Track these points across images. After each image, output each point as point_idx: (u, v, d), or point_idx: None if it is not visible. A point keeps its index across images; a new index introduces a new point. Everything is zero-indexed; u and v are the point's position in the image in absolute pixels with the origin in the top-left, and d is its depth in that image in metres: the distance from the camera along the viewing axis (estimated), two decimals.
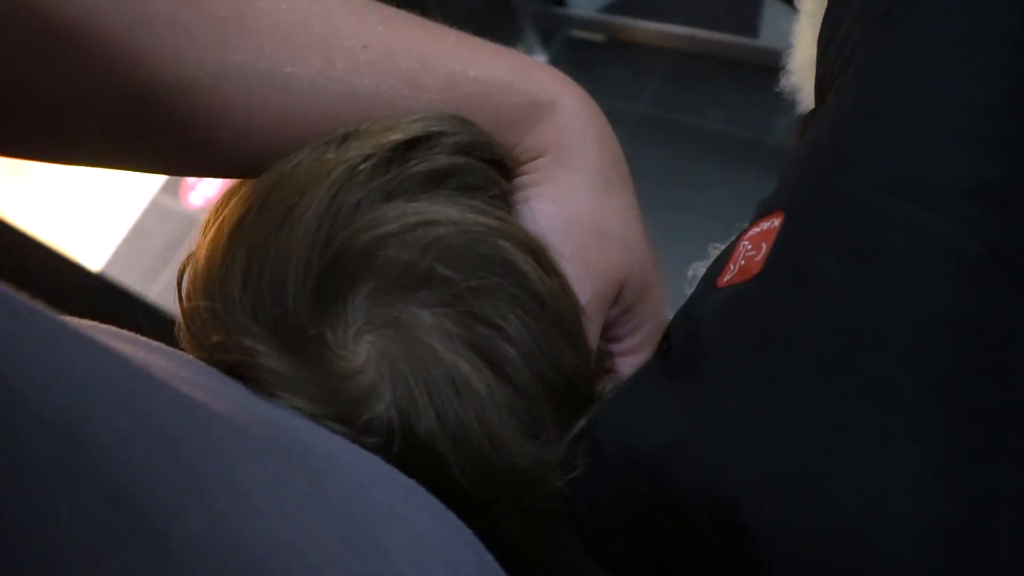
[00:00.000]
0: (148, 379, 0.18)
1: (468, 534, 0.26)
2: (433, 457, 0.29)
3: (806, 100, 0.45)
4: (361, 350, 0.28)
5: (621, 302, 0.33)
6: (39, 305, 0.16)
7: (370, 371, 0.28)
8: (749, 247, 0.29)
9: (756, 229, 0.29)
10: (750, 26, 1.59)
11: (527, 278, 0.29)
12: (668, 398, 0.27)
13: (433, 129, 0.29)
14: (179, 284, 0.33)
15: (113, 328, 0.25)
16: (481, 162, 0.31)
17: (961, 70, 0.28)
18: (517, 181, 0.32)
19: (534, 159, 0.32)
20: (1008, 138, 0.26)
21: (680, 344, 0.28)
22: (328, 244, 0.28)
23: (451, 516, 0.25)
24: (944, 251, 0.24)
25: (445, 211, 0.29)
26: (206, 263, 0.30)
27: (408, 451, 0.29)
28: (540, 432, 0.29)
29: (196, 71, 0.27)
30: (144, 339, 0.26)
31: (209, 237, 0.31)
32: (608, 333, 0.34)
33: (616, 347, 0.34)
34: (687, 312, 0.29)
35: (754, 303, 0.27)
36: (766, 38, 1.55)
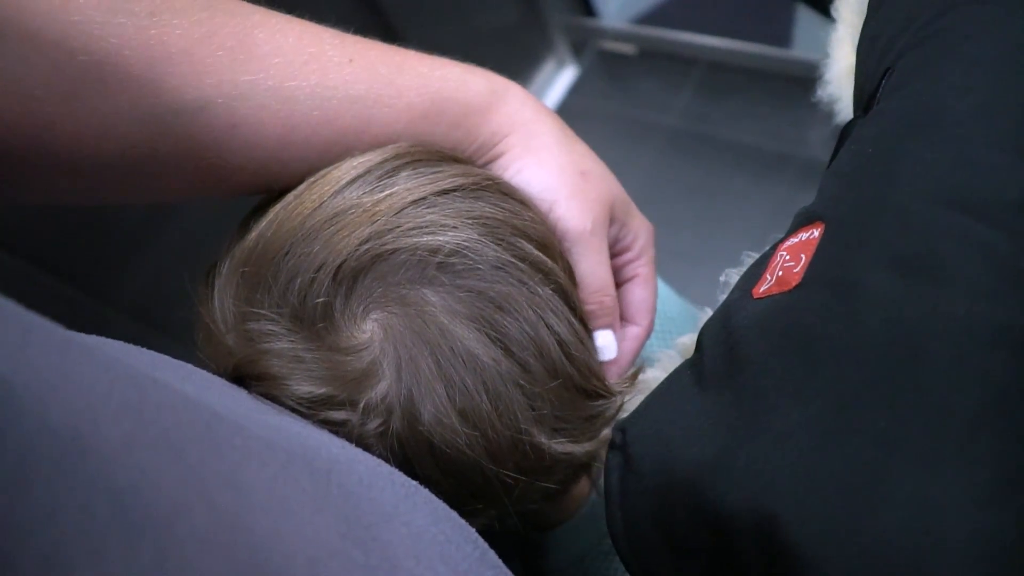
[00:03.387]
0: (153, 385, 0.19)
1: (470, 531, 0.26)
2: (434, 435, 0.30)
3: (844, 111, 0.44)
4: (367, 327, 0.31)
5: (615, 220, 0.41)
6: (47, 320, 0.17)
7: (374, 346, 0.30)
8: (787, 257, 0.28)
9: (795, 239, 0.29)
10: (783, 37, 1.57)
11: (529, 256, 0.33)
12: (707, 410, 0.26)
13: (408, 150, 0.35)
14: (206, 280, 0.34)
15: (119, 342, 0.27)
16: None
17: (1014, 79, 0.27)
18: (501, 160, 0.39)
19: (506, 138, 0.39)
20: None
21: (716, 353, 0.28)
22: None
23: (452, 514, 0.26)
24: (997, 264, 0.23)
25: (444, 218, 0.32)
26: (231, 273, 0.33)
27: (409, 433, 0.30)
28: (542, 408, 0.33)
29: (211, 93, 0.31)
30: (151, 351, 0.28)
31: (246, 247, 0.33)
32: (616, 248, 0.42)
33: (627, 256, 0.43)
34: (722, 321, 0.29)
35: (796, 315, 0.26)
36: (799, 49, 1.54)
